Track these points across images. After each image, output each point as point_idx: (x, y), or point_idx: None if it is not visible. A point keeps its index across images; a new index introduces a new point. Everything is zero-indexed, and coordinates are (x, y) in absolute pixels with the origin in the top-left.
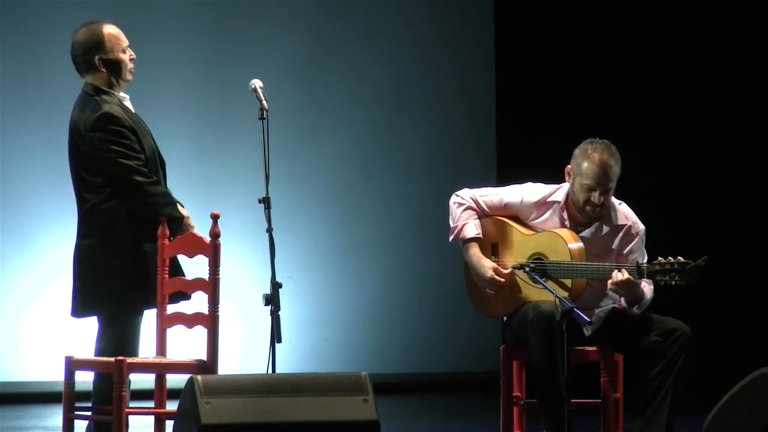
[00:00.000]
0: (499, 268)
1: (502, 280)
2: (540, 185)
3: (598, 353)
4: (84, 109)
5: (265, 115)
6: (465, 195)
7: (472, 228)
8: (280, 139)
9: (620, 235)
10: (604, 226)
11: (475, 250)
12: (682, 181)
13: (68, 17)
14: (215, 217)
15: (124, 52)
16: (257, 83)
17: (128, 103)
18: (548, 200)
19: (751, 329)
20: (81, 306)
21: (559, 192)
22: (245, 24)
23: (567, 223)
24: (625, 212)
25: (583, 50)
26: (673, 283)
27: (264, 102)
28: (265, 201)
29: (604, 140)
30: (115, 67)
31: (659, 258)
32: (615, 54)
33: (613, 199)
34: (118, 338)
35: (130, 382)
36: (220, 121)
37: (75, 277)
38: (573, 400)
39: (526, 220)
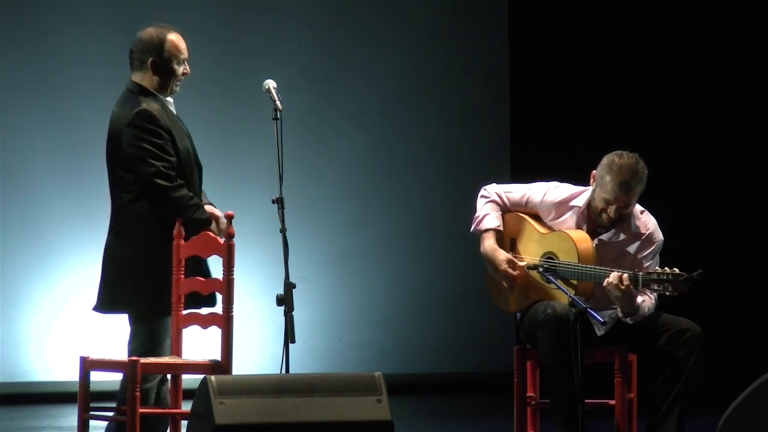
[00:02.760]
0: (514, 260)
1: (515, 273)
2: (565, 186)
3: (612, 354)
4: (124, 106)
5: (278, 116)
6: (491, 189)
7: (492, 220)
8: (293, 139)
9: (638, 243)
10: (622, 233)
11: (490, 241)
12: (698, 182)
13: (77, 15)
14: (229, 218)
15: (179, 63)
16: (271, 83)
17: (171, 106)
18: (570, 203)
19: (766, 329)
20: (109, 302)
21: (581, 197)
22: (258, 24)
23: (585, 227)
24: (646, 221)
25: (597, 49)
26: (667, 293)
27: (277, 102)
28: (279, 201)
29: (634, 155)
30: (164, 75)
31: (656, 268)
32: (630, 53)
33: (638, 206)
34: (148, 338)
35: (167, 381)
36: (233, 121)
37: (104, 274)
38: (586, 401)
39: (545, 219)
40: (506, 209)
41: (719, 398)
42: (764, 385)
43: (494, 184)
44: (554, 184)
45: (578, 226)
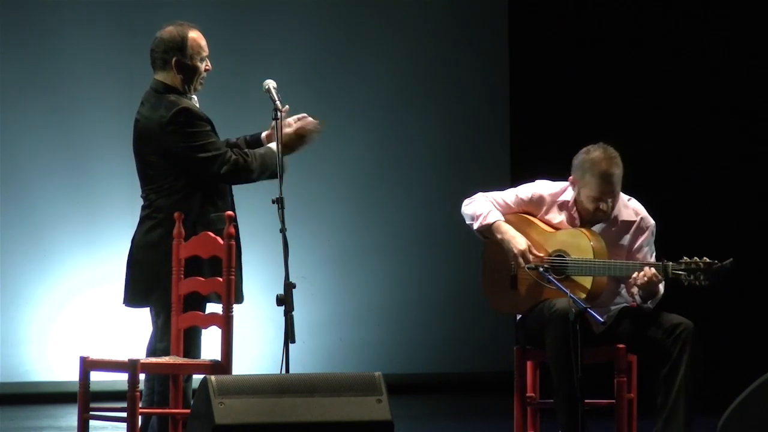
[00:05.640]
0: (532, 246)
1: (540, 254)
2: (549, 182)
3: (612, 353)
4: (157, 105)
5: (278, 115)
6: (479, 195)
7: (496, 213)
8: None
9: (631, 231)
10: (613, 224)
11: (508, 226)
12: (699, 180)
13: (77, 15)
14: (230, 218)
15: (202, 60)
16: (271, 83)
17: (196, 103)
18: (558, 199)
19: (766, 329)
20: (139, 297)
21: (567, 192)
22: (258, 24)
23: (577, 222)
24: (634, 208)
25: (597, 49)
26: (697, 283)
27: (278, 102)
28: (279, 201)
29: (600, 145)
30: (189, 73)
31: (684, 257)
32: (630, 53)
33: (622, 195)
34: (185, 337)
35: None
36: (233, 121)
37: (133, 268)
38: (587, 401)
39: (537, 216)
40: (500, 211)
41: (719, 398)
42: (764, 385)
43: (480, 193)
44: (539, 182)
45: (570, 222)
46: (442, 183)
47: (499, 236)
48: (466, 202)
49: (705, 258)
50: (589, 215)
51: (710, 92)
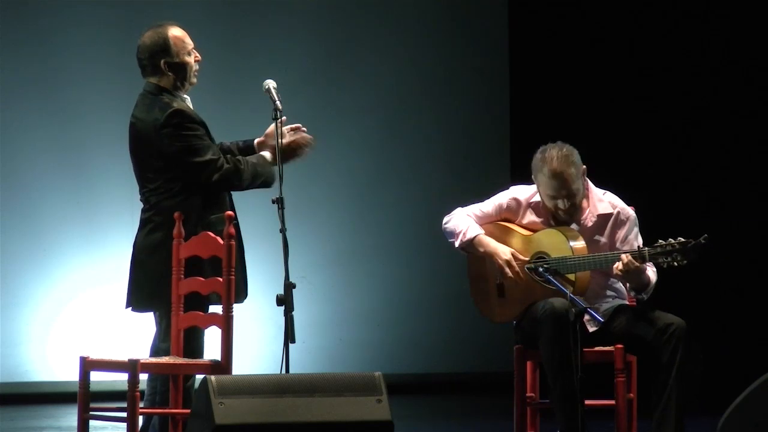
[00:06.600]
0: (516, 252)
1: (525, 259)
2: (522, 186)
3: (613, 353)
4: (151, 108)
5: (278, 116)
6: (457, 211)
7: (475, 228)
8: None
9: (609, 224)
10: (589, 219)
11: (489, 238)
12: (698, 176)
13: (77, 15)
14: (230, 218)
15: (189, 54)
16: (271, 83)
17: (190, 104)
18: (531, 201)
19: (766, 329)
20: (144, 300)
21: (538, 194)
22: (258, 24)
23: (552, 221)
24: (610, 201)
25: (597, 49)
26: (675, 264)
27: (277, 102)
28: (279, 201)
29: (557, 144)
30: (181, 71)
31: (659, 240)
32: (630, 53)
33: (597, 189)
34: (190, 338)
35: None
36: (233, 121)
37: (136, 272)
38: (587, 401)
39: (515, 221)
40: (481, 223)
41: (719, 398)
42: (764, 385)
43: (458, 209)
44: (513, 187)
45: (546, 223)
46: (442, 183)
47: (481, 249)
48: (445, 219)
49: (680, 238)
50: (555, 214)
51: (710, 92)
